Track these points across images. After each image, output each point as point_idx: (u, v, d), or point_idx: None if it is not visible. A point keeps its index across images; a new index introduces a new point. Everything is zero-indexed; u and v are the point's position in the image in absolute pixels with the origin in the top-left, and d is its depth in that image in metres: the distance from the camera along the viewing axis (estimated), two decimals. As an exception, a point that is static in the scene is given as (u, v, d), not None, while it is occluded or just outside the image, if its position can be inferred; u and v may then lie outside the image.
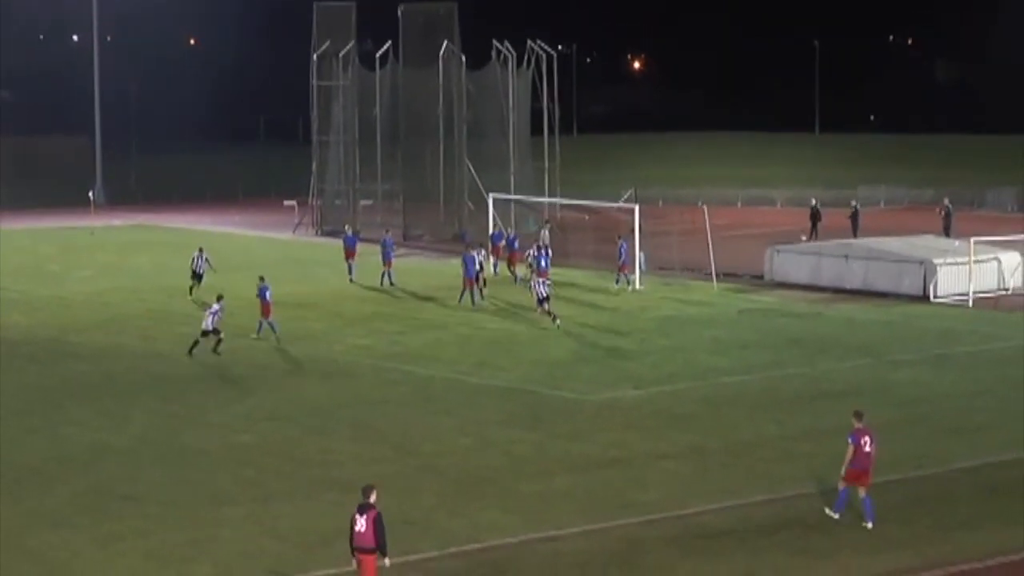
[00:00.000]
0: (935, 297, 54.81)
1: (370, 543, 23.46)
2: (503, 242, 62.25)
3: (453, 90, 79.17)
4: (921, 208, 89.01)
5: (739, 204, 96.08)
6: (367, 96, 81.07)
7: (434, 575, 25.43)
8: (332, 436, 35.15)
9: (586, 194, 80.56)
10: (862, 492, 27.85)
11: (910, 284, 55.80)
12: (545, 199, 76.55)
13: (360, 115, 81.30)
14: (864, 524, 27.58)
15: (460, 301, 54.09)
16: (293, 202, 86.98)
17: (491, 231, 65.51)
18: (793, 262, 60.17)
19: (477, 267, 55.20)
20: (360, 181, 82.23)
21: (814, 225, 73.58)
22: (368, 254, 62.00)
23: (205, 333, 44.67)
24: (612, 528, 27.91)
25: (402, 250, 70.40)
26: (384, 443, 34.44)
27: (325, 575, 25.57)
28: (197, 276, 56.33)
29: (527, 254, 58.13)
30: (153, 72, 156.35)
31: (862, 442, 27.80)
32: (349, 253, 61.47)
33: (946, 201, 75.32)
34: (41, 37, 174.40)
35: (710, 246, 59.66)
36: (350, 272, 60.95)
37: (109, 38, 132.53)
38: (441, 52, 78.66)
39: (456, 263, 57.72)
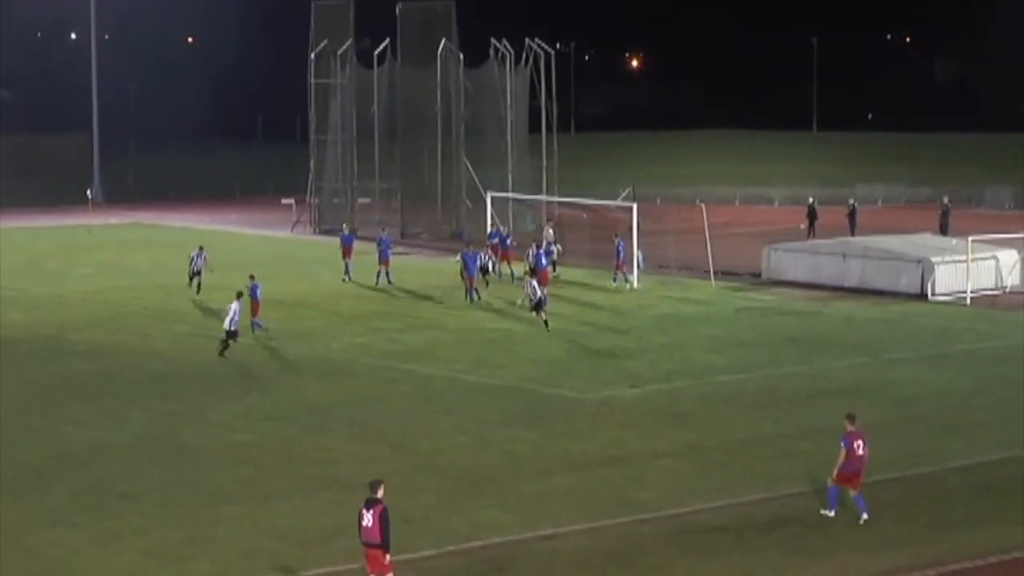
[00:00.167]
0: (933, 295, 54.86)
1: (376, 538, 23.49)
2: (496, 240, 62.17)
3: (451, 88, 79.17)
4: (919, 206, 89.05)
5: (737, 202, 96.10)
6: (365, 94, 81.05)
7: (433, 573, 25.45)
8: (330, 435, 35.17)
9: (584, 192, 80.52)
10: (852, 492, 27.94)
11: (908, 282, 55.84)
12: (543, 197, 76.52)
13: (358, 113, 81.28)
14: (859, 519, 27.64)
15: (466, 300, 54.00)
16: (291, 200, 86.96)
17: (489, 230, 65.37)
18: (791, 260, 60.21)
19: (479, 266, 55.26)
20: (358, 179, 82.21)
21: (811, 223, 73.62)
22: (365, 252, 62.00)
23: (228, 334, 44.29)
24: (610, 526, 27.94)
25: (400, 248, 70.41)
26: (382, 442, 34.47)
27: (323, 573, 25.60)
28: (196, 275, 55.83)
29: (527, 254, 57.96)
30: (151, 71, 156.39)
31: (855, 445, 27.89)
32: (346, 252, 61.45)
33: (945, 200, 75.32)
34: (39, 36, 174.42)
35: (708, 244, 59.69)
36: (347, 271, 60.93)
37: (107, 37, 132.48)
38: (439, 50, 78.65)
39: (455, 261, 57.62)
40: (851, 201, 76.97)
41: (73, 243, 77.76)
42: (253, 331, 47.36)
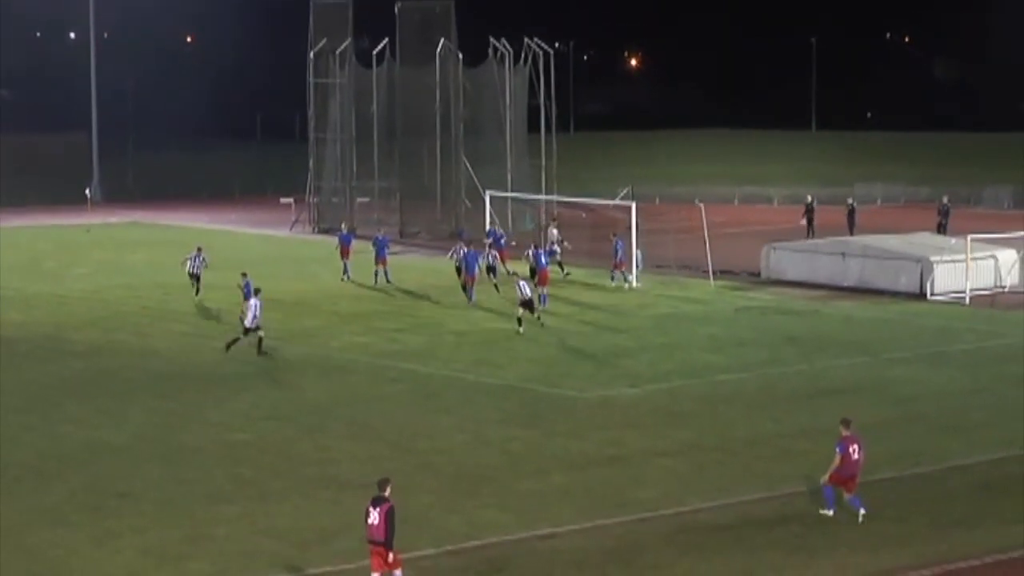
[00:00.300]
0: (932, 295, 54.84)
1: (381, 536, 23.59)
2: (491, 240, 62.03)
3: (450, 88, 79.13)
4: (918, 206, 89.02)
5: (736, 202, 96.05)
6: (364, 94, 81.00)
7: (431, 573, 25.43)
8: (329, 434, 35.15)
9: (583, 192, 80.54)
10: (847, 495, 27.96)
11: (907, 282, 55.84)
12: (542, 197, 76.51)
13: (357, 113, 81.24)
14: (858, 517, 27.62)
15: (470, 301, 53.86)
16: (290, 200, 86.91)
17: (488, 228, 65.20)
18: (790, 260, 60.22)
19: (486, 266, 55.09)
20: (357, 179, 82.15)
21: (809, 222, 73.62)
22: (363, 252, 62.01)
23: (247, 330, 44.14)
24: (609, 526, 27.92)
25: (399, 248, 70.40)
26: (381, 441, 34.45)
27: (322, 573, 25.58)
28: (195, 278, 55.22)
29: (526, 254, 57.86)
30: (150, 70, 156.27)
31: (850, 450, 27.91)
32: (344, 251, 61.42)
33: (944, 199, 75.28)
34: (39, 35, 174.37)
35: (707, 244, 59.67)
36: (345, 271, 60.89)
37: (106, 36, 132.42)
38: (438, 50, 78.60)
39: (450, 259, 57.52)
40: (850, 201, 76.94)
41: (72, 242, 77.73)
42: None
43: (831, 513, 27.95)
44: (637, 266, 59.10)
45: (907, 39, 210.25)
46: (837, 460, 27.87)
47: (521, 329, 47.64)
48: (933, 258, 55.84)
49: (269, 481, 31.08)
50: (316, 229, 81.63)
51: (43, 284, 61.11)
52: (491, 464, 32.39)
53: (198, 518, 28.48)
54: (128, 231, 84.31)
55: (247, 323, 44.14)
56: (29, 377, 42.03)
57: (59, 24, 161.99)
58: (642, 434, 34.91)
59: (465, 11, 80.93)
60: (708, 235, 60.09)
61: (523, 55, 78.86)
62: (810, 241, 65.61)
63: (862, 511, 27.73)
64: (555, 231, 63.46)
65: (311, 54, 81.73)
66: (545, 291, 53.44)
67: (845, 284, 57.24)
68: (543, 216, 76.83)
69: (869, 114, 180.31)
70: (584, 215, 76.68)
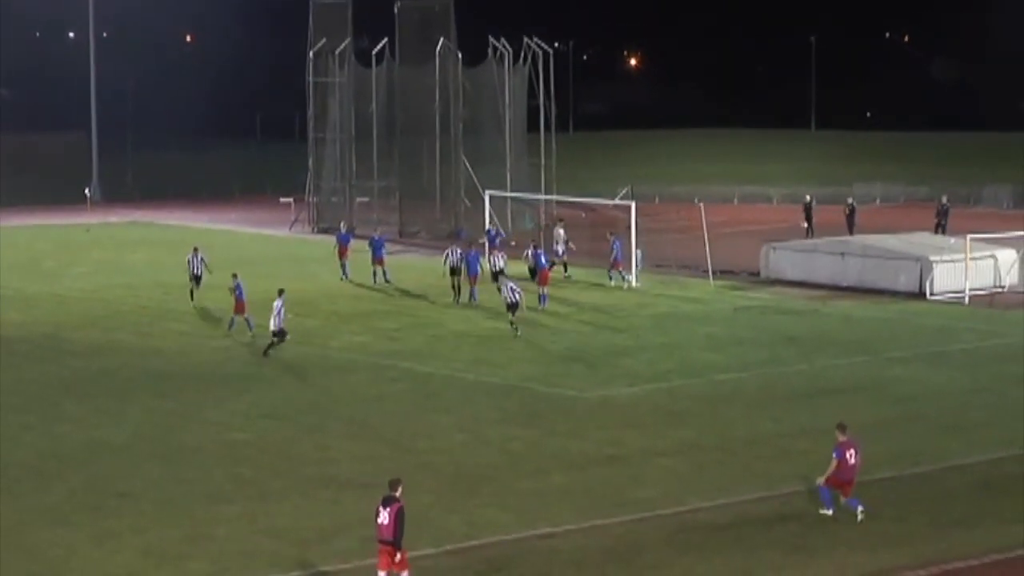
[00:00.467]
0: (931, 294, 54.85)
1: (390, 535, 23.70)
2: (484, 240, 61.82)
3: (449, 87, 79.10)
4: (917, 205, 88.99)
5: (735, 201, 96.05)
6: (363, 93, 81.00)
7: (431, 573, 25.42)
8: (328, 434, 35.15)
9: (583, 192, 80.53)
10: (844, 498, 27.98)
11: (906, 281, 55.84)
12: (542, 196, 76.52)
13: (356, 112, 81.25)
14: (857, 517, 27.63)
15: (472, 301, 53.72)
16: (289, 199, 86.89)
17: (487, 228, 65.06)
18: (789, 259, 60.21)
19: (496, 269, 54.81)
20: (356, 178, 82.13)
21: (808, 222, 73.62)
22: (361, 251, 62.05)
23: (275, 334, 44.03)
24: (609, 525, 27.93)
25: (398, 247, 70.39)
26: (380, 441, 34.45)
27: (322, 572, 25.59)
28: (195, 279, 54.43)
29: (525, 254, 57.80)
30: (150, 69, 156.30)
31: (847, 455, 27.96)
32: (342, 251, 61.42)
33: (943, 199, 75.27)
34: (38, 35, 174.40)
35: (706, 243, 59.68)
36: (343, 270, 60.89)
37: (105, 35, 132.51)
38: (437, 49, 78.57)
39: (445, 263, 57.35)
40: (850, 200, 76.89)
41: (71, 242, 77.73)
42: (230, 328, 47.50)
43: (830, 513, 27.97)
44: (637, 266, 59.10)
45: (906, 39, 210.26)
46: (834, 465, 27.91)
47: (518, 332, 47.35)
48: (932, 258, 55.85)
49: (269, 481, 31.08)
50: (315, 229, 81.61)
51: (43, 284, 61.11)
52: (491, 464, 32.39)
53: (198, 518, 28.49)
54: (128, 231, 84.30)
55: (272, 327, 43.96)
56: (29, 377, 42.03)
57: (59, 24, 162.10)
58: (641, 434, 34.91)
59: (464, 10, 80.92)
60: (708, 235, 60.10)
61: (523, 55, 78.86)
62: (809, 241, 65.60)
63: (860, 508, 27.75)
64: (562, 231, 63.05)
65: (310, 54, 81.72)
66: (545, 291, 53.42)
67: (844, 284, 57.24)
68: (542, 216, 76.86)
69: (869, 114, 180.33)
70: (584, 215, 76.67)
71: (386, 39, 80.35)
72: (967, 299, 54.18)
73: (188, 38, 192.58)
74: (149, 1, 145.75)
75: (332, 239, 65.14)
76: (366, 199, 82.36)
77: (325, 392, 39.74)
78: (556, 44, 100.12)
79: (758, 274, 60.58)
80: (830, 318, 51.30)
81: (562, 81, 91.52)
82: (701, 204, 64.86)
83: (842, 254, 58.41)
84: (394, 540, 23.66)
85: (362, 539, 26.70)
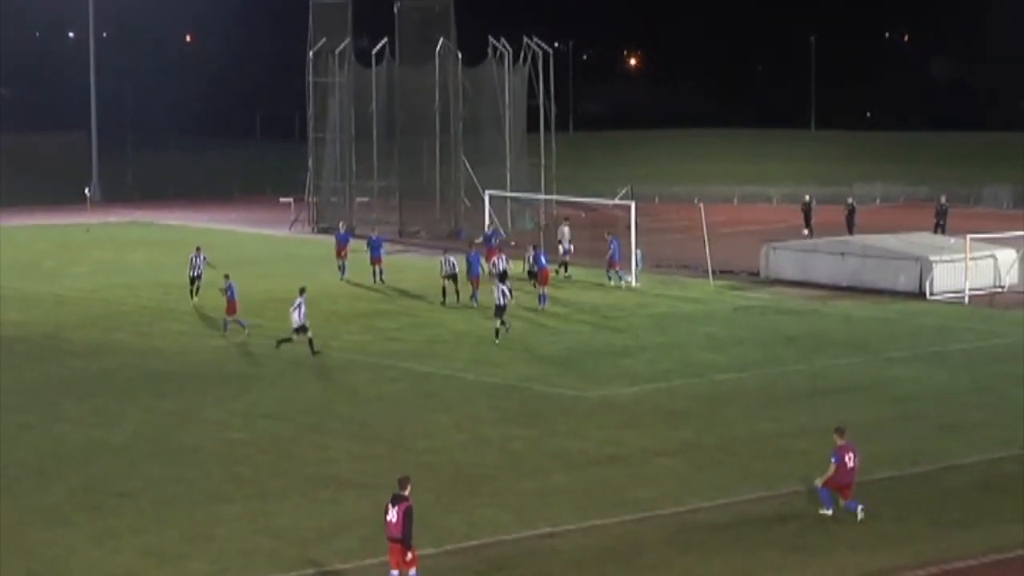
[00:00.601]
0: (931, 294, 54.85)
1: (399, 533, 23.87)
2: (480, 239, 61.73)
3: (449, 87, 79.10)
4: (917, 205, 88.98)
5: (735, 201, 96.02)
6: (363, 93, 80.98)
7: (431, 572, 25.40)
8: (328, 433, 35.15)
9: (583, 191, 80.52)
10: (843, 501, 27.99)
11: (906, 281, 55.85)
12: (542, 196, 76.52)
13: (356, 112, 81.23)
14: (857, 517, 27.63)
15: (473, 301, 53.48)
16: (289, 199, 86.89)
17: (489, 230, 64.65)
18: (789, 259, 60.22)
19: (500, 271, 54.60)
20: (356, 178, 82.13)
21: (807, 221, 73.59)
22: (359, 251, 62.06)
23: (296, 331, 44.09)
24: (608, 525, 27.93)
25: (398, 247, 70.37)
26: (380, 440, 34.45)
27: (321, 572, 25.58)
28: (196, 278, 54.05)
29: (526, 256, 57.64)
30: (150, 69, 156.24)
31: (845, 459, 27.99)
32: (341, 251, 61.41)
33: (942, 199, 75.25)
34: (38, 34, 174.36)
35: (706, 243, 59.68)
36: (342, 270, 60.88)
37: (105, 35, 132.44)
38: (437, 49, 78.57)
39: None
40: (849, 200, 76.88)
41: (71, 242, 77.72)
42: (225, 330, 47.47)
43: (830, 513, 27.98)
44: (637, 266, 59.11)
45: (906, 39, 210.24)
46: (832, 469, 27.94)
47: (498, 339, 46.28)
48: (932, 257, 55.85)
49: (268, 480, 31.08)
50: (315, 229, 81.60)
51: (42, 283, 61.10)
52: (490, 463, 32.39)
53: (197, 517, 28.49)
54: (127, 230, 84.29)
55: (294, 323, 44.00)
56: (28, 376, 42.03)
57: (58, 23, 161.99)
58: (641, 433, 34.91)
59: (464, 10, 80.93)
60: (707, 234, 60.10)
61: (522, 54, 78.86)
62: (809, 241, 65.60)
63: (860, 507, 27.75)
64: (567, 229, 62.88)
65: (310, 53, 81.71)
66: (545, 291, 53.41)
67: (844, 283, 57.24)
68: (542, 216, 76.85)
69: (868, 114, 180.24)
70: (583, 215, 76.66)
71: (386, 39, 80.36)
72: (967, 299, 54.18)
73: (188, 38, 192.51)
74: (149, 1, 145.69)
75: (332, 239, 65.12)
76: (366, 199, 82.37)
77: (325, 392, 39.75)
78: (556, 44, 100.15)
79: (758, 274, 60.58)
80: (830, 318, 51.29)
81: (562, 81, 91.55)
82: (701, 204, 64.86)
83: (842, 254, 58.41)
84: (403, 538, 23.81)
85: (362, 539, 26.74)
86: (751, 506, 29.02)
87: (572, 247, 61.63)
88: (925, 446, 33.64)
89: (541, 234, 68.08)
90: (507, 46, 78.42)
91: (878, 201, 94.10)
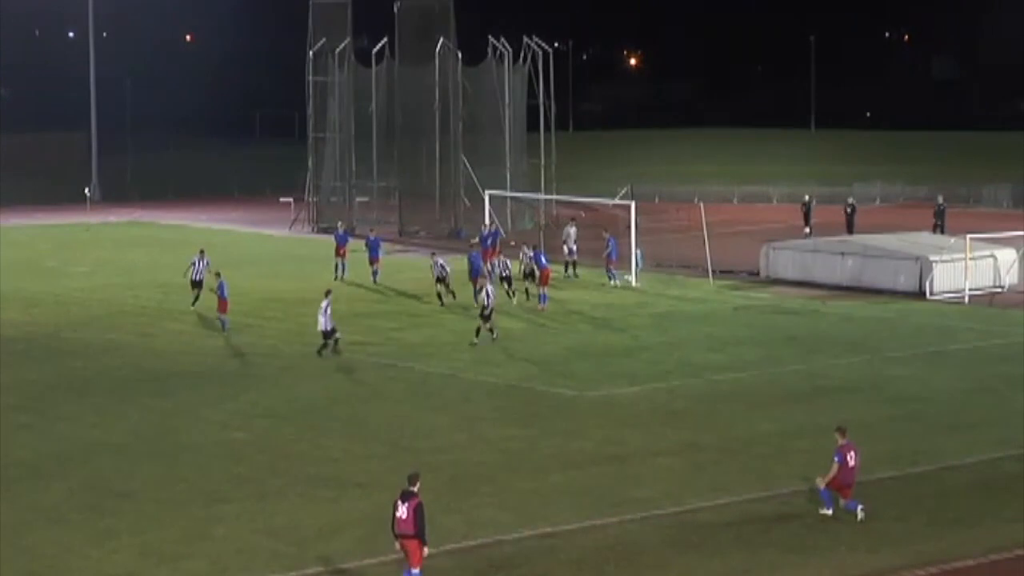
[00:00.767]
0: (931, 294, 54.84)
1: (411, 529, 24.02)
2: (477, 239, 61.66)
3: (449, 87, 79.10)
4: (917, 205, 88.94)
5: (735, 201, 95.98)
6: (363, 93, 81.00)
7: (430, 572, 25.37)
8: (327, 433, 35.14)
9: (582, 191, 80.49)
10: (843, 500, 27.98)
11: (906, 281, 55.84)
12: (542, 196, 76.52)
13: (356, 112, 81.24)
14: (857, 517, 27.62)
15: (476, 301, 53.24)
16: (289, 199, 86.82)
17: (484, 231, 64.27)
18: (789, 259, 60.20)
19: (504, 275, 54.47)
20: (356, 178, 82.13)
21: (807, 221, 73.57)
22: (357, 250, 62.04)
23: (325, 335, 43.87)
24: (608, 525, 27.92)
25: (398, 247, 70.34)
26: (378, 440, 34.44)
27: (321, 571, 25.57)
28: (197, 284, 52.81)
29: (522, 255, 57.49)
30: (149, 69, 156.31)
31: (847, 458, 27.97)
32: (340, 250, 61.39)
33: (940, 199, 75.20)
34: (38, 34, 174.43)
35: (706, 243, 59.67)
36: (342, 270, 60.86)
37: (105, 34, 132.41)
38: (437, 49, 78.56)
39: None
40: (849, 200, 76.86)
41: (71, 241, 77.70)
42: (224, 328, 47.42)
43: (830, 512, 27.97)
44: (637, 265, 59.10)
45: (906, 38, 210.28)
46: (835, 469, 27.92)
47: (476, 340, 45.64)
48: (932, 257, 55.85)
49: (267, 480, 31.07)
50: (315, 228, 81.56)
51: (42, 283, 61.07)
52: (489, 463, 32.38)
53: (196, 517, 28.48)
54: (127, 230, 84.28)
55: (321, 327, 43.84)
56: (27, 376, 42.01)
57: (58, 23, 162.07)
58: (641, 433, 34.89)
59: (464, 10, 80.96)
60: (707, 234, 60.09)
61: (522, 54, 78.87)
62: (809, 240, 65.58)
63: (860, 507, 27.74)
64: (573, 231, 62.64)
65: (310, 53, 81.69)
66: (545, 291, 53.37)
67: (844, 283, 57.22)
68: (542, 216, 76.84)
69: (868, 114, 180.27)
70: (583, 214, 76.65)
71: (386, 39, 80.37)
72: (967, 299, 54.17)
73: (188, 37, 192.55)
74: (149, 1, 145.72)
75: (331, 239, 65.05)
76: (366, 199, 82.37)
77: (324, 391, 39.73)
78: (556, 44, 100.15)
79: (758, 274, 60.57)
80: (829, 318, 51.28)
81: (562, 81, 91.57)
82: (701, 203, 64.85)
83: (842, 254, 58.40)
84: (416, 534, 24.00)
85: (361, 538, 26.74)
86: (751, 506, 29.00)
87: (577, 247, 61.51)
88: (924, 446, 33.62)
89: (541, 234, 68.05)
90: (507, 46, 78.42)
91: (878, 201, 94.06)
